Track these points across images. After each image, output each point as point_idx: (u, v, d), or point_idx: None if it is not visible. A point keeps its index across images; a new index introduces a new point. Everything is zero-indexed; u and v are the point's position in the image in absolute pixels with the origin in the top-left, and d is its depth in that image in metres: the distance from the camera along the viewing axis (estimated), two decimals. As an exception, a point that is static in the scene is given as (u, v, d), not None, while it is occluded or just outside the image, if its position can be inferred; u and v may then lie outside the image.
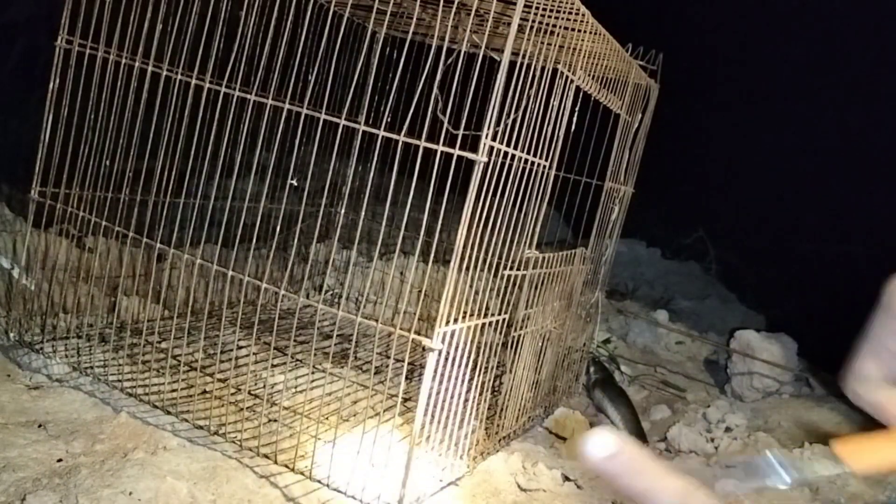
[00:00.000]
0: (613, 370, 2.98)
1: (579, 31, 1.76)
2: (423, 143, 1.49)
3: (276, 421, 1.78)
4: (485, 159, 1.45)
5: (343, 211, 2.77)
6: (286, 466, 1.66)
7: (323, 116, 1.62)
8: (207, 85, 1.71)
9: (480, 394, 1.88)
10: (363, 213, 1.68)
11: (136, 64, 1.79)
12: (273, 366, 2.02)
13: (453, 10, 1.53)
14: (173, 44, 1.75)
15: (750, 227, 5.00)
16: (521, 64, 1.54)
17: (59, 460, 1.55)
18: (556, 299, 2.14)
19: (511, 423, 2.09)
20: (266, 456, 1.68)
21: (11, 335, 1.98)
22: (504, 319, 1.87)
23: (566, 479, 1.94)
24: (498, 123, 1.49)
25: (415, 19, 1.72)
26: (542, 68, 1.65)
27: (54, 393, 1.81)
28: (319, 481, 1.63)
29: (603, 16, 1.81)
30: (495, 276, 1.82)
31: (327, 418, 1.89)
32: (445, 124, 1.48)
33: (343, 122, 1.58)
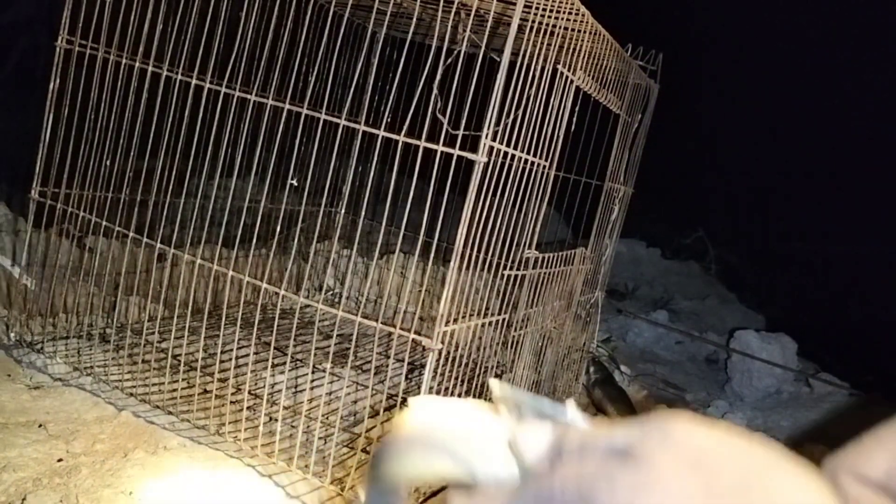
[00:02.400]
0: (613, 370, 2.98)
1: (579, 31, 1.76)
2: (423, 144, 1.49)
3: (276, 420, 1.78)
4: (485, 159, 1.45)
5: (343, 211, 2.77)
6: (287, 466, 1.66)
7: (323, 116, 1.62)
8: (208, 85, 1.71)
9: (480, 394, 1.88)
10: (363, 213, 1.68)
11: (137, 64, 1.79)
12: (273, 365, 2.02)
13: (453, 10, 1.53)
14: (173, 44, 1.75)
15: (750, 227, 5.00)
16: (521, 64, 1.54)
17: (60, 460, 1.56)
18: (556, 299, 2.14)
19: (511, 422, 2.09)
20: (267, 455, 1.68)
21: (12, 335, 1.99)
22: (504, 319, 1.87)
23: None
24: (498, 123, 1.49)
25: (415, 19, 1.72)
26: (542, 68, 1.65)
27: (55, 392, 1.81)
28: (320, 480, 1.63)
29: (603, 16, 1.81)
30: (495, 276, 1.82)
31: (327, 418, 1.89)
32: (445, 125, 1.48)
33: (343, 122, 1.58)
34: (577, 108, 1.90)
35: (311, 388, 2.01)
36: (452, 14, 1.54)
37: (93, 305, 2.08)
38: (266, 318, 2.34)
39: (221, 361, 2.02)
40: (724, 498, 0.40)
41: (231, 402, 1.85)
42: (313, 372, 2.06)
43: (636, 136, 2.48)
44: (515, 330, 1.95)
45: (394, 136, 1.52)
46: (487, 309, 1.84)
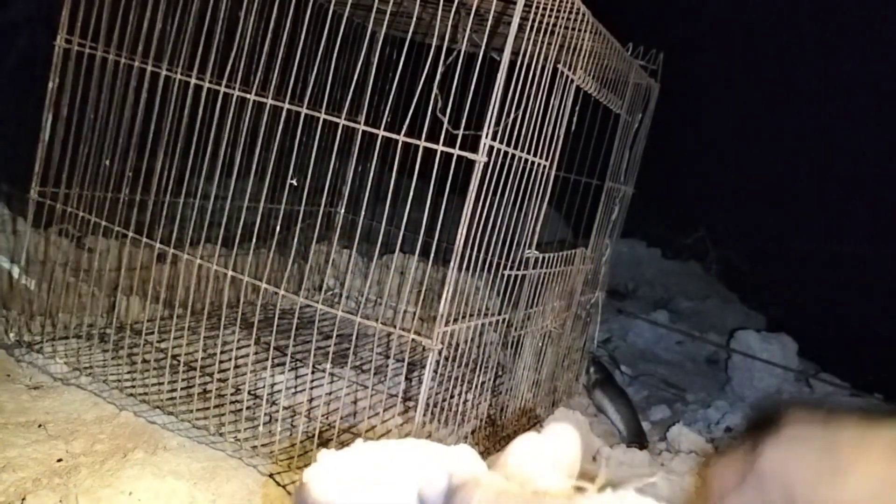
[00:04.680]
0: (613, 370, 2.97)
1: (579, 30, 1.75)
2: (422, 143, 1.48)
3: (276, 420, 1.77)
4: (485, 159, 1.45)
5: (343, 211, 2.77)
6: (287, 466, 1.66)
7: (323, 116, 1.62)
8: (207, 84, 1.70)
9: (480, 394, 1.88)
10: (363, 213, 1.68)
11: (136, 63, 1.79)
12: (273, 366, 2.02)
13: (453, 9, 1.53)
14: (173, 43, 1.74)
15: (751, 227, 5.00)
16: (522, 63, 1.53)
17: (59, 460, 1.55)
18: (556, 299, 2.13)
19: (511, 422, 2.09)
20: (267, 455, 1.68)
21: (11, 335, 1.98)
22: (504, 319, 1.86)
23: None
24: (498, 123, 1.49)
25: (415, 19, 1.72)
26: (543, 68, 1.65)
27: (54, 393, 1.81)
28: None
29: (603, 15, 1.81)
30: (495, 276, 1.81)
31: (327, 418, 1.89)
32: (445, 124, 1.48)
33: (343, 121, 1.57)
34: (577, 108, 1.89)
35: (311, 388, 2.01)
36: (452, 13, 1.53)
37: (92, 305, 2.08)
38: (266, 318, 2.34)
39: (221, 361, 2.02)
40: None
41: (231, 402, 1.85)
42: (313, 372, 2.06)
43: (636, 135, 2.48)
44: (515, 330, 1.94)
45: (394, 136, 1.52)
46: (487, 309, 1.84)
